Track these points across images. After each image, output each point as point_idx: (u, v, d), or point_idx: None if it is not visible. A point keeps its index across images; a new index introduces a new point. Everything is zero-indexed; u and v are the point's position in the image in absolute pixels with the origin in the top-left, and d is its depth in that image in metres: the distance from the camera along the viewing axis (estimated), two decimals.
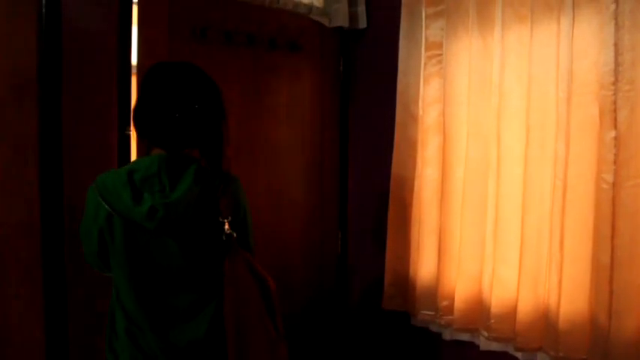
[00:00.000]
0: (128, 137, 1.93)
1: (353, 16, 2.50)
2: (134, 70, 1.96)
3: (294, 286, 2.43)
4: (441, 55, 2.14)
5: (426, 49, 2.19)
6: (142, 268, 1.29)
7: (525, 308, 1.79)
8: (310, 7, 2.43)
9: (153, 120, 1.31)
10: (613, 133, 1.56)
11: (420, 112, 2.22)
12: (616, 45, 1.55)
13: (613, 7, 1.55)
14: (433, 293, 2.14)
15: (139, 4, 1.97)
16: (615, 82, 1.56)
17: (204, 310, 1.33)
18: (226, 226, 1.34)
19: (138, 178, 1.27)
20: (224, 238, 1.34)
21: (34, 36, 1.75)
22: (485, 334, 1.92)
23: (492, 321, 1.89)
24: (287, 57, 2.38)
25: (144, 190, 1.26)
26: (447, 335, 2.14)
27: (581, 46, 1.65)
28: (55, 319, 1.80)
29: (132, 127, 1.88)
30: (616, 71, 1.56)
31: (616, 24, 1.55)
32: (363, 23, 2.52)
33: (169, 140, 1.32)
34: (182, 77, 1.34)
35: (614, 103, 1.56)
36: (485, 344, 1.97)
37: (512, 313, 1.84)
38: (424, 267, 2.17)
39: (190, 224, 1.31)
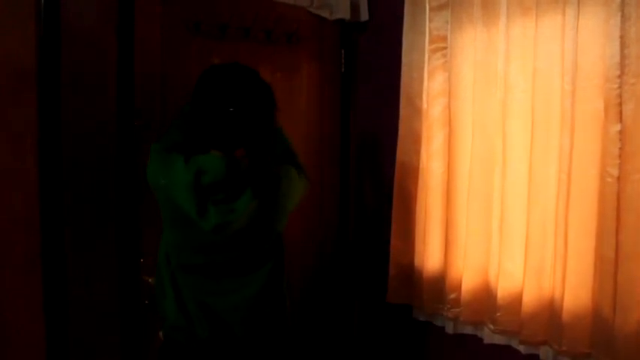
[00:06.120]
0: (133, 128, 1.91)
1: (354, 9, 2.47)
2: None
3: (295, 282, 2.41)
4: (445, 48, 2.12)
5: (430, 42, 2.17)
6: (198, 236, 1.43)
7: (530, 301, 1.79)
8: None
9: (209, 118, 1.38)
10: (618, 127, 1.55)
11: (425, 106, 2.21)
12: (622, 37, 1.54)
13: None
14: (440, 286, 2.13)
15: None
16: (621, 75, 1.54)
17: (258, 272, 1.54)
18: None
19: (206, 182, 1.35)
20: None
21: (33, 26, 1.73)
22: (492, 327, 1.92)
23: (498, 314, 1.88)
24: (284, 49, 2.35)
25: (208, 198, 1.35)
26: (450, 329, 2.13)
27: (587, 39, 1.63)
28: (55, 316, 1.80)
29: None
30: (621, 64, 1.54)
31: (622, 16, 1.53)
32: (365, 16, 2.50)
33: (224, 138, 1.39)
34: (236, 76, 1.42)
35: (620, 96, 1.55)
36: (489, 337, 1.97)
37: (517, 306, 1.83)
38: (430, 260, 2.17)
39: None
